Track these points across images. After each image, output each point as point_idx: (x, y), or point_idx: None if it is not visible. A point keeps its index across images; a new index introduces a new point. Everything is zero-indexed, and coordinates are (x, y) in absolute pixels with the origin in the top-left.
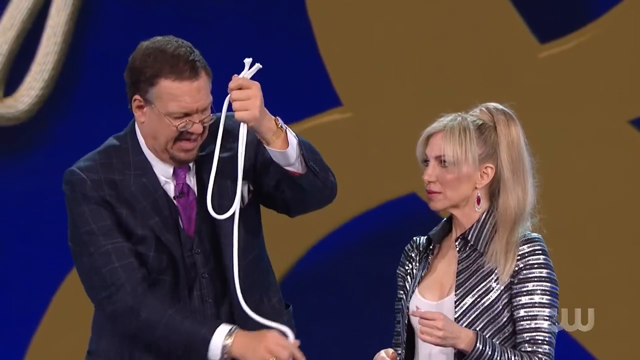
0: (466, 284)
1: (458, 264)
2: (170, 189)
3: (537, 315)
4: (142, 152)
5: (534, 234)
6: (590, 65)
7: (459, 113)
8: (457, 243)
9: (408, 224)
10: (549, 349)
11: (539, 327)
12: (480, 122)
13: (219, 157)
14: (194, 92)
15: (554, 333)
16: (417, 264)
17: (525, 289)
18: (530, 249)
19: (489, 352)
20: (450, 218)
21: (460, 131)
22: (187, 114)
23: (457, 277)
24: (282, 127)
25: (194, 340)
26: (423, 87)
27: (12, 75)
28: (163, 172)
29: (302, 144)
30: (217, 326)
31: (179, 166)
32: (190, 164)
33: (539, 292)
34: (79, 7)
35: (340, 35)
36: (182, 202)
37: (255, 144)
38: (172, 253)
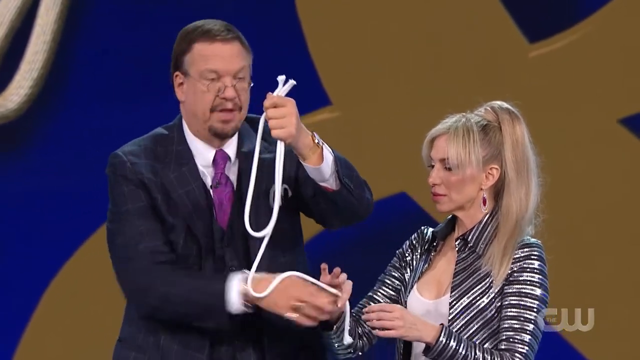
0: (462, 286)
1: (456, 264)
2: (208, 179)
3: (521, 316)
4: (186, 142)
5: (533, 240)
6: (580, 64)
7: (464, 113)
8: (457, 243)
9: (398, 223)
10: (527, 351)
11: (521, 328)
12: (485, 123)
13: (259, 160)
14: (225, 54)
15: (537, 337)
16: (419, 257)
17: (514, 291)
18: (527, 253)
19: (454, 346)
20: (454, 216)
21: (464, 133)
22: (218, 76)
23: (453, 278)
24: (318, 142)
25: (209, 295)
26: (413, 87)
27: (1, 74)
28: (203, 161)
29: (337, 160)
30: (228, 275)
31: (221, 142)
32: (232, 157)
33: (528, 295)
34: (68, 6)
35: (330, 35)
36: (218, 192)
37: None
38: (201, 244)
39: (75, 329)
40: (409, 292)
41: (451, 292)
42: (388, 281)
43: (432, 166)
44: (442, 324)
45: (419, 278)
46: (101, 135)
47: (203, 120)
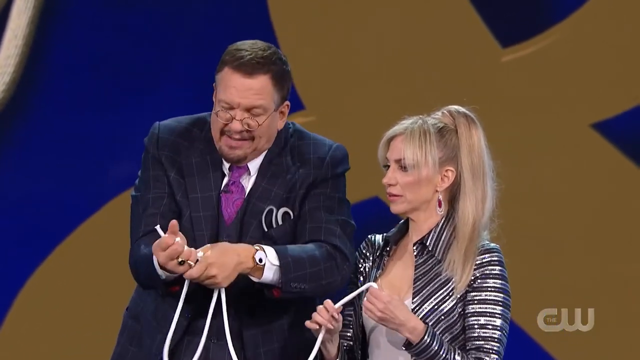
0: (424, 291)
1: (415, 269)
2: (225, 179)
3: (487, 324)
4: None
5: (492, 244)
6: (552, 69)
7: (421, 116)
8: (414, 248)
9: (371, 227)
10: (497, 358)
11: (489, 337)
12: (442, 125)
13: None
14: (242, 87)
15: (504, 343)
16: (371, 263)
17: (478, 298)
18: (488, 259)
19: (435, 348)
20: (407, 220)
21: (421, 134)
22: (230, 106)
23: (414, 284)
24: (261, 260)
25: (147, 263)
26: (385, 91)
27: None
28: (224, 162)
29: (284, 267)
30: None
31: (226, 161)
32: (252, 169)
33: (491, 302)
34: (40, 10)
35: (303, 39)
36: (226, 197)
37: (310, 182)
38: (196, 236)
39: (48, 331)
40: (365, 298)
41: (413, 298)
42: (353, 302)
43: (388, 167)
44: (427, 324)
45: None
46: (73, 140)
47: (215, 139)
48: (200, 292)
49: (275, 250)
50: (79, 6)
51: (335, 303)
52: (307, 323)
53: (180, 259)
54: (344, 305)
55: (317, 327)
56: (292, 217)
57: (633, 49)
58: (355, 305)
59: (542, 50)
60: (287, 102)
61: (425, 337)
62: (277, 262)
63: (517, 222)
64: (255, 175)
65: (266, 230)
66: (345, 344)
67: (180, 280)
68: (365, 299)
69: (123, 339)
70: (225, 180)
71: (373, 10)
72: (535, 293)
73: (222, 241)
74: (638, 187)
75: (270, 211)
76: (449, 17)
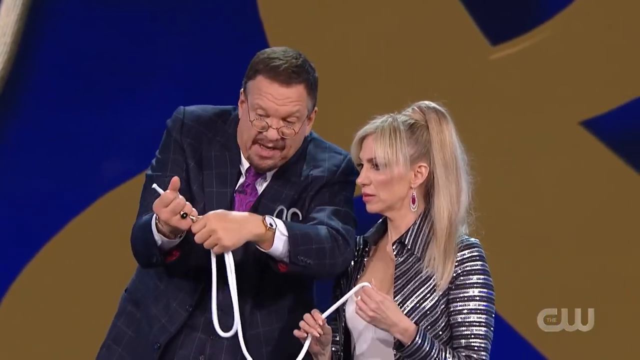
0: (404, 290)
1: (395, 268)
2: (241, 179)
3: (473, 321)
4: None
5: (472, 239)
6: (541, 67)
7: (391, 114)
8: (394, 247)
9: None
10: (485, 355)
11: (475, 334)
12: (412, 122)
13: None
14: (279, 96)
15: (490, 339)
16: (353, 265)
17: (462, 295)
18: (469, 255)
19: (427, 349)
20: (385, 220)
21: (391, 132)
22: (267, 114)
23: (395, 282)
24: (271, 225)
25: (144, 229)
26: (372, 89)
27: None
28: (243, 161)
29: (292, 238)
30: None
31: (255, 171)
32: (268, 175)
33: (476, 298)
34: (29, 7)
35: (292, 35)
36: (240, 197)
37: (322, 184)
38: None
39: (38, 327)
40: (347, 301)
41: (394, 296)
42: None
43: (362, 166)
44: (418, 325)
45: (354, 284)
46: (62, 138)
47: (245, 147)
48: (203, 286)
49: (283, 222)
50: (69, 3)
51: (324, 311)
52: (295, 332)
53: (182, 212)
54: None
55: (305, 334)
56: (300, 218)
57: (622, 46)
58: (339, 310)
59: (532, 47)
60: (316, 108)
61: (417, 338)
62: (286, 233)
63: (517, 222)
64: (270, 180)
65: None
66: (334, 348)
67: (177, 248)
68: (358, 297)
69: (120, 322)
70: (241, 180)
71: (361, 8)
72: (535, 293)
73: None
74: (629, 185)
75: (281, 211)
76: (438, 15)
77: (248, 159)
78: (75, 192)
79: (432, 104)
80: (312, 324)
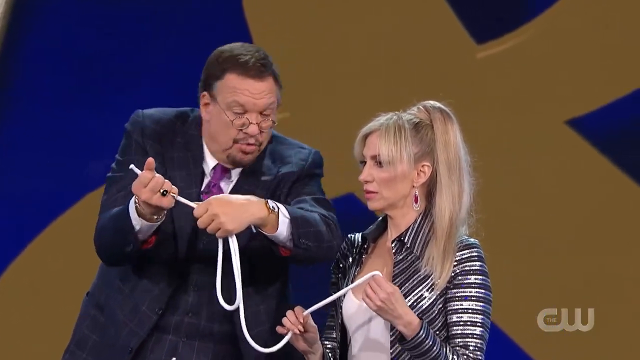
0: (403, 288)
1: (394, 266)
2: (206, 180)
3: (469, 321)
4: (200, 131)
5: (472, 240)
6: (527, 65)
7: (396, 112)
8: (393, 245)
9: (346, 224)
10: (480, 355)
11: (471, 333)
12: (417, 121)
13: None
14: (255, 90)
15: (486, 339)
16: (351, 262)
17: (459, 295)
18: (467, 255)
19: (429, 343)
20: (385, 217)
21: (396, 130)
22: (245, 110)
23: (393, 280)
24: (273, 208)
25: (117, 217)
26: (360, 88)
27: None
28: (207, 162)
29: (293, 221)
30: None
31: (234, 168)
32: (233, 174)
33: (473, 298)
34: (13, 5)
35: (277, 35)
36: (205, 198)
37: (294, 179)
38: (176, 228)
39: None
40: (344, 296)
41: None
42: (335, 302)
43: (364, 162)
44: (422, 319)
45: (352, 281)
46: (47, 137)
47: (224, 147)
48: (173, 288)
49: (284, 205)
50: (52, 1)
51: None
52: (278, 328)
53: (162, 190)
54: (326, 307)
55: (285, 331)
56: None
57: (608, 45)
58: (336, 305)
59: (518, 46)
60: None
61: (421, 332)
62: (288, 215)
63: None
64: (236, 180)
65: (254, 231)
66: (330, 346)
67: (154, 233)
68: (367, 285)
69: (84, 326)
70: (206, 180)
71: (348, 7)
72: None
73: (202, 241)
74: (615, 184)
75: None
76: (423, 14)
77: (229, 158)
78: (68, 190)
79: (438, 104)
80: (294, 321)
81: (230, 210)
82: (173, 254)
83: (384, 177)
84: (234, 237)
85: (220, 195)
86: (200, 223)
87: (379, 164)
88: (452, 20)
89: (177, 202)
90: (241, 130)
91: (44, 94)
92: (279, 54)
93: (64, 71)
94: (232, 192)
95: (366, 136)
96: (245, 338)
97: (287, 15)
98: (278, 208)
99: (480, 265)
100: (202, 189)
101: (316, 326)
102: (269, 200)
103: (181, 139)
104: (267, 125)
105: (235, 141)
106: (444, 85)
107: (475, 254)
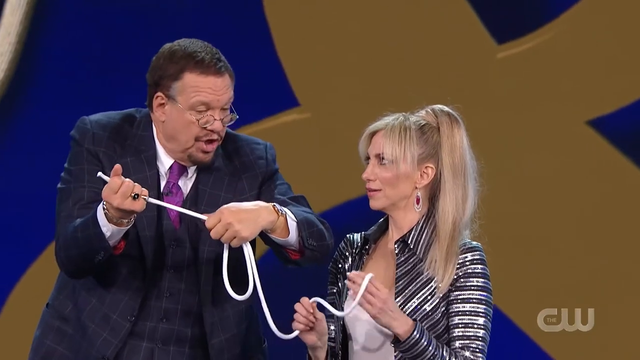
0: (406, 290)
1: (397, 267)
2: (163, 181)
3: (471, 323)
4: (152, 131)
5: (474, 243)
6: (548, 65)
7: (403, 113)
8: (396, 245)
9: (366, 223)
10: (482, 357)
11: (473, 335)
12: (424, 123)
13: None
14: (217, 87)
15: (487, 341)
16: (351, 262)
17: (461, 297)
18: (470, 258)
19: (424, 343)
20: (387, 218)
21: (401, 130)
22: (208, 108)
23: (396, 283)
24: (280, 212)
25: (85, 226)
26: (381, 87)
27: None
28: (160, 165)
29: (300, 224)
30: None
31: (191, 166)
32: (190, 171)
33: (474, 300)
34: (34, 7)
35: (298, 36)
36: (167, 200)
37: (260, 183)
38: (139, 234)
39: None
40: (346, 298)
41: (396, 297)
42: (335, 302)
43: (368, 160)
44: (415, 320)
45: None
46: (67, 138)
47: (184, 147)
48: (143, 294)
49: (287, 208)
50: (73, 3)
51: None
52: (293, 325)
53: (133, 194)
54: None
55: (301, 327)
56: None
57: (629, 45)
58: (335, 304)
59: (538, 46)
60: None
61: (414, 333)
62: (295, 218)
63: (517, 222)
64: (194, 178)
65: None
66: (331, 344)
67: (123, 238)
68: (364, 292)
69: (48, 340)
70: (163, 181)
71: (368, 6)
72: (535, 293)
73: (170, 246)
74: (635, 185)
75: None
76: (444, 14)
77: (190, 156)
78: None
79: (446, 108)
80: (305, 315)
81: (243, 218)
82: (140, 261)
83: (387, 176)
84: (248, 245)
85: (230, 204)
86: (214, 234)
87: (382, 162)
88: (473, 20)
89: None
90: (205, 128)
91: (56, 96)
92: (300, 52)
93: (78, 73)
94: (198, 195)
95: (372, 135)
96: (212, 343)
97: (308, 14)
98: (285, 211)
99: (482, 268)
100: (161, 190)
101: (324, 315)
102: (276, 204)
103: (131, 141)
104: (229, 119)
105: (197, 139)
106: (465, 85)
107: (478, 256)
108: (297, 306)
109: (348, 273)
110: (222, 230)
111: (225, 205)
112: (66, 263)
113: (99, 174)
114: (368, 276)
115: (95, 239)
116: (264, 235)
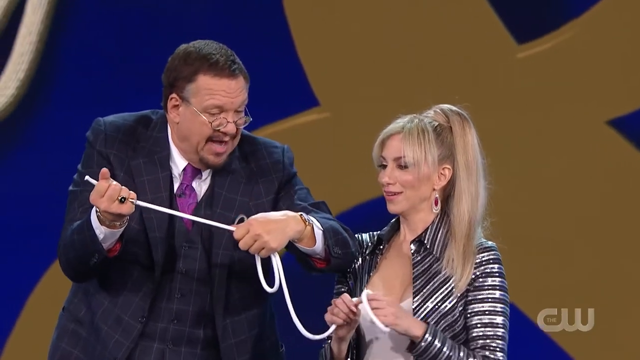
0: (424, 290)
1: (413, 267)
2: (176, 183)
3: (490, 322)
4: (167, 132)
5: (490, 243)
6: (568, 65)
7: (414, 115)
8: (412, 245)
9: (385, 224)
10: (502, 356)
11: (492, 334)
12: (437, 124)
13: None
14: (231, 89)
15: (506, 340)
16: (362, 262)
17: (479, 297)
18: (487, 257)
19: (438, 345)
20: (398, 219)
21: (419, 132)
22: (222, 110)
23: (414, 282)
24: (307, 221)
25: (80, 229)
26: (401, 88)
27: None
28: (174, 167)
29: (325, 232)
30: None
31: (205, 169)
32: (204, 174)
33: (492, 300)
34: (55, 6)
35: (318, 36)
36: (181, 201)
37: (277, 188)
38: (149, 237)
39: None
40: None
41: (414, 297)
42: None
43: (383, 166)
44: (427, 322)
45: (367, 282)
46: (84, 139)
47: (196, 148)
48: (154, 295)
49: (313, 217)
50: (93, 3)
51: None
52: (327, 317)
53: (120, 197)
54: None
55: (340, 321)
56: None
57: None
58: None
59: (558, 46)
60: None
61: (427, 335)
62: (321, 227)
63: (519, 221)
64: (209, 180)
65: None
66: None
67: (118, 240)
68: (371, 307)
69: (64, 343)
70: (177, 183)
71: (389, 6)
72: (535, 293)
73: (182, 247)
74: None
75: (242, 220)
76: (464, 14)
77: (201, 158)
78: None
79: (454, 107)
80: (347, 311)
81: (272, 228)
82: (151, 262)
83: (408, 179)
84: (277, 255)
85: (258, 215)
86: (243, 245)
87: (403, 166)
88: (493, 20)
89: (142, 208)
90: (218, 130)
91: (77, 95)
92: (320, 52)
93: (99, 72)
94: (209, 198)
95: (386, 139)
96: (223, 346)
97: (328, 15)
98: (312, 220)
99: (499, 268)
100: (175, 192)
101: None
102: (303, 213)
103: (145, 143)
104: (243, 121)
105: (210, 139)
106: (485, 85)
107: (494, 256)
108: (338, 302)
109: (333, 300)
110: (250, 242)
111: (253, 217)
112: (66, 266)
113: (87, 177)
114: (364, 295)
115: (89, 241)
116: (289, 244)
